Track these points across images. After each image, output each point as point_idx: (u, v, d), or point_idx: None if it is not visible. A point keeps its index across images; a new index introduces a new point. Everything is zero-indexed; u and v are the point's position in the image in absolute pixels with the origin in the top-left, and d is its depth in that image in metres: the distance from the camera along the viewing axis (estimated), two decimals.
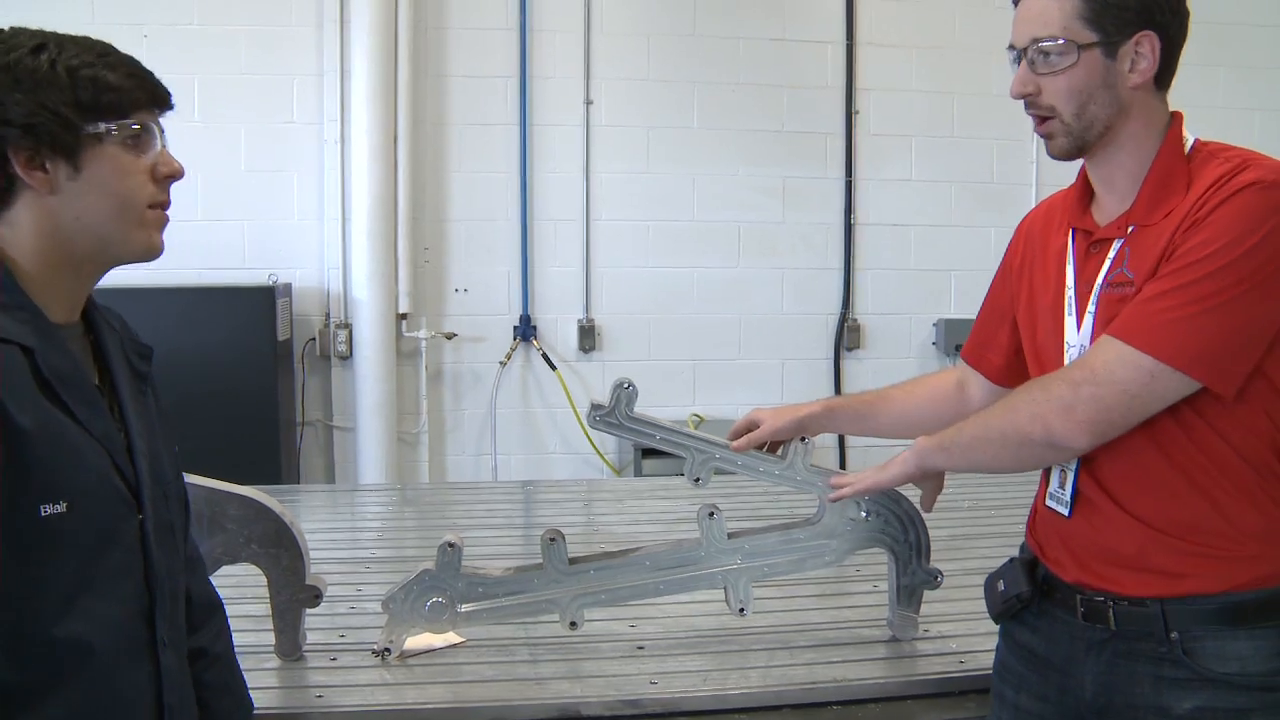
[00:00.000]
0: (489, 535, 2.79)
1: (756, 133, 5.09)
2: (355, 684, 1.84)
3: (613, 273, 5.04)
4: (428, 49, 4.83)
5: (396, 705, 1.77)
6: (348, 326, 4.82)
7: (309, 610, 1.93)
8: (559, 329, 5.04)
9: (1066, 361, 1.52)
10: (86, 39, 1.21)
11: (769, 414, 1.95)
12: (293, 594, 1.90)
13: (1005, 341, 1.75)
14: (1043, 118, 1.48)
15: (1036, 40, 1.44)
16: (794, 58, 5.11)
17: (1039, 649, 1.56)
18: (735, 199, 5.10)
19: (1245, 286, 1.34)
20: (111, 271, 1.28)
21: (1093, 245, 1.51)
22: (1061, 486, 1.53)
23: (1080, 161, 1.55)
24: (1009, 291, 1.72)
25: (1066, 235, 1.57)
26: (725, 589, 1.99)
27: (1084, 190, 1.57)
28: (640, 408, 1.94)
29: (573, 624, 1.94)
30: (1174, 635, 1.40)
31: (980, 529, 2.79)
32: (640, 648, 2.00)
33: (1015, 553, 1.67)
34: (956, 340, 4.97)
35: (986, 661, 1.73)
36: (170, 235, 1.29)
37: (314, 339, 4.88)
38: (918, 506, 1.89)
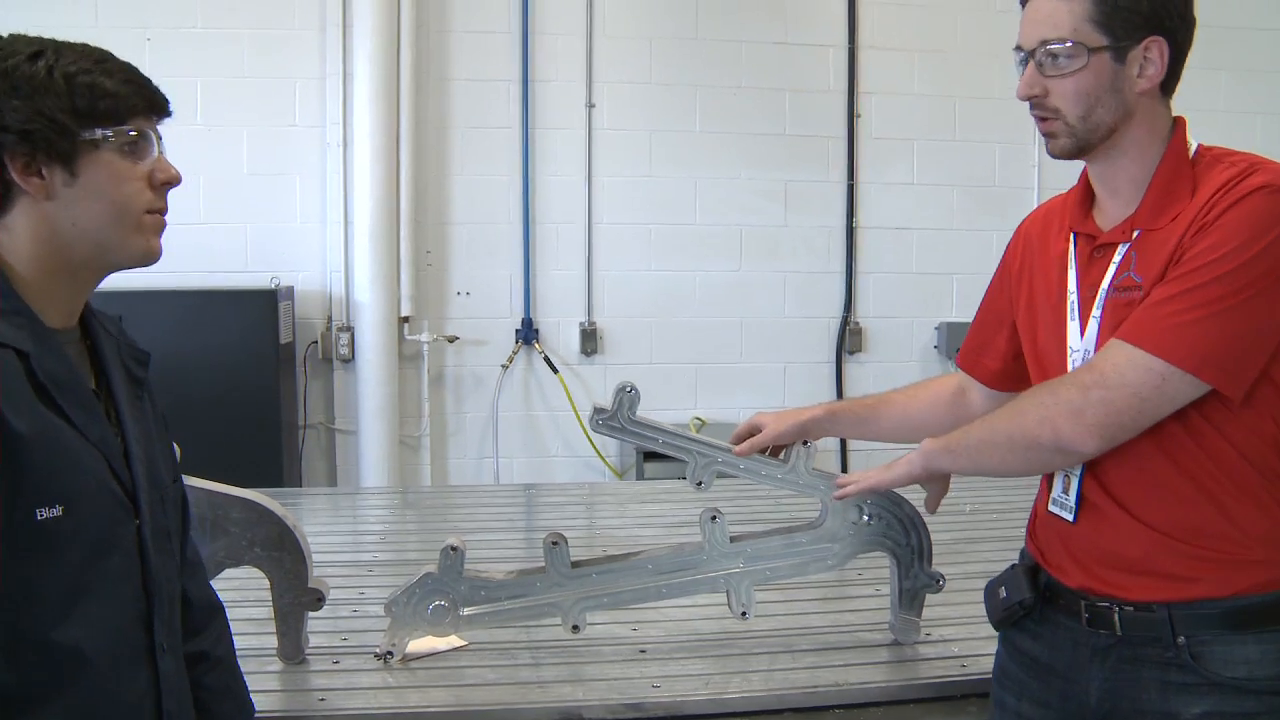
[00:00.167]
0: (491, 539, 2.79)
1: (758, 136, 5.09)
2: (358, 687, 1.84)
3: (615, 276, 5.04)
4: (430, 52, 4.83)
5: (399, 708, 1.77)
6: (350, 329, 4.81)
7: (311, 613, 1.93)
8: (561, 332, 5.04)
9: (1069, 366, 1.51)
10: (84, 45, 1.21)
11: (771, 418, 1.95)
12: (295, 597, 1.90)
13: (1002, 346, 1.75)
14: (1046, 118, 1.47)
15: (1045, 42, 1.44)
16: (796, 61, 5.10)
17: (1041, 655, 1.56)
18: (737, 202, 5.09)
19: (1254, 290, 1.34)
20: (114, 274, 1.28)
21: (1096, 250, 1.51)
22: (1065, 492, 1.53)
23: (1081, 165, 1.54)
24: (1007, 296, 1.72)
25: (1067, 239, 1.56)
26: (727, 592, 1.99)
27: (1085, 194, 1.56)
28: (642, 411, 1.94)
29: (575, 627, 1.94)
30: (1181, 640, 1.39)
31: (982, 533, 2.78)
32: (642, 651, 2.00)
33: (1017, 557, 1.66)
34: (958, 344, 4.91)
35: (988, 665, 1.73)
36: (172, 238, 1.29)
37: (316, 342, 4.88)
38: (921, 509, 1.89)
